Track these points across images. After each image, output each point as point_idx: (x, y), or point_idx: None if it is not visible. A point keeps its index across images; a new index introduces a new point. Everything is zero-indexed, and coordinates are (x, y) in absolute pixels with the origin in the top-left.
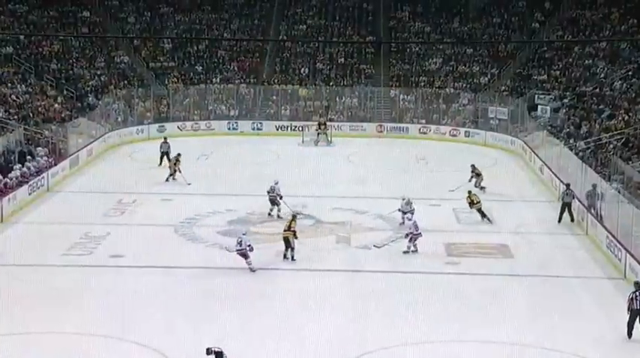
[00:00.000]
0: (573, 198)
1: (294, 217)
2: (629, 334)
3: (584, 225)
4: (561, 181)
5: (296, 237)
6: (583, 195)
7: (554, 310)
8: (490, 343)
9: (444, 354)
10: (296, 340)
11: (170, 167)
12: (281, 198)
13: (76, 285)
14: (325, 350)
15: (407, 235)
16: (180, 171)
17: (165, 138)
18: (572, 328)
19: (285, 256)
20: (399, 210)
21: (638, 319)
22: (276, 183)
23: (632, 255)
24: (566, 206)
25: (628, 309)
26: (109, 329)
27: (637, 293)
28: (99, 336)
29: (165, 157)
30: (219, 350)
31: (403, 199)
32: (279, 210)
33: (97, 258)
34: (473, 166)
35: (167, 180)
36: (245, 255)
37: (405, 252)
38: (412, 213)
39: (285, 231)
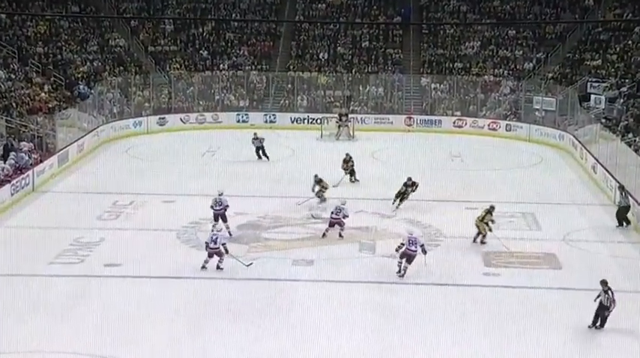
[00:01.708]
0: (627, 200)
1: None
2: (601, 324)
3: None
4: (618, 181)
5: None
6: None
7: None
8: None
9: None
10: (313, 357)
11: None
12: (226, 209)
13: (65, 298)
14: None
15: (397, 249)
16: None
17: (255, 134)
18: (629, 350)
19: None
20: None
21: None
22: (221, 195)
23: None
24: (625, 210)
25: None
26: (104, 348)
27: (605, 290)
28: (92, 356)
29: (260, 152)
30: None
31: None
32: (228, 227)
33: (89, 267)
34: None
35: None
36: (219, 254)
37: (398, 273)
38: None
39: None
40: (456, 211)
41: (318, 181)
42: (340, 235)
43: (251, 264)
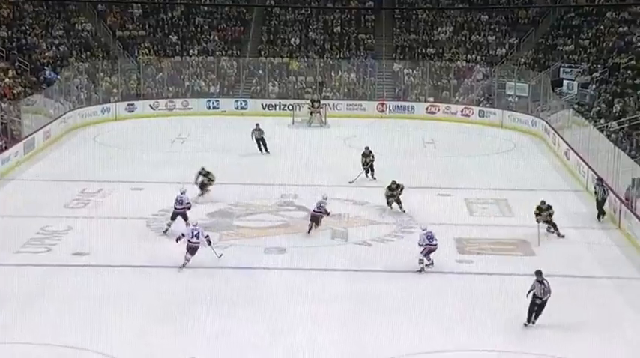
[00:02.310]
0: (606, 193)
1: None
2: (532, 319)
3: (617, 218)
4: (590, 167)
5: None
6: (618, 187)
7: (582, 315)
8: (506, 353)
9: None
10: (286, 349)
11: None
12: (189, 208)
13: (32, 288)
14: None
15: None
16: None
17: (257, 125)
18: (602, 336)
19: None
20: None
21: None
22: (183, 193)
23: (634, 214)
24: (604, 202)
25: (527, 294)
26: (72, 338)
27: (539, 280)
28: (59, 346)
29: (261, 144)
30: None
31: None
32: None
33: (56, 257)
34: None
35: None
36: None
37: (419, 271)
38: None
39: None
40: (429, 198)
41: (205, 174)
42: (309, 230)
43: (222, 255)
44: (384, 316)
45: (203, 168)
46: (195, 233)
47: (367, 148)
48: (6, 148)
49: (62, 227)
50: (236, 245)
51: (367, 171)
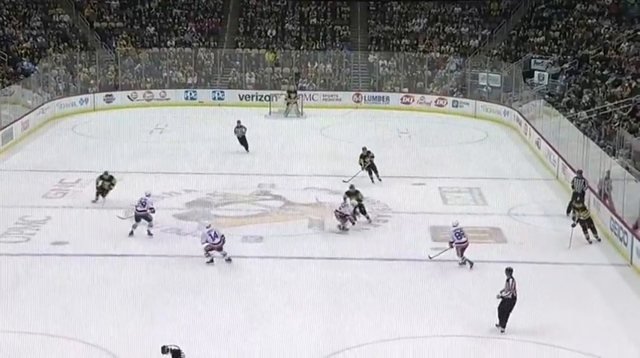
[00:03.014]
0: (585, 186)
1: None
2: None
3: (586, 205)
4: (560, 156)
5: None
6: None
7: (553, 300)
8: (479, 338)
9: (428, 351)
10: (263, 337)
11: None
12: (153, 211)
13: (10, 277)
14: (296, 349)
15: (450, 244)
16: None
17: (239, 122)
18: (572, 319)
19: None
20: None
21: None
22: (148, 196)
23: (639, 239)
24: (576, 196)
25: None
26: (51, 327)
27: (509, 279)
28: (38, 334)
29: (244, 142)
30: (177, 348)
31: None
32: (150, 226)
33: (35, 246)
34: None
35: None
36: (147, 218)
37: (461, 264)
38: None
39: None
40: (404, 187)
41: (108, 179)
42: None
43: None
44: (360, 303)
45: (106, 173)
46: (213, 234)
47: (365, 149)
48: None
49: (41, 217)
50: None
51: (370, 173)
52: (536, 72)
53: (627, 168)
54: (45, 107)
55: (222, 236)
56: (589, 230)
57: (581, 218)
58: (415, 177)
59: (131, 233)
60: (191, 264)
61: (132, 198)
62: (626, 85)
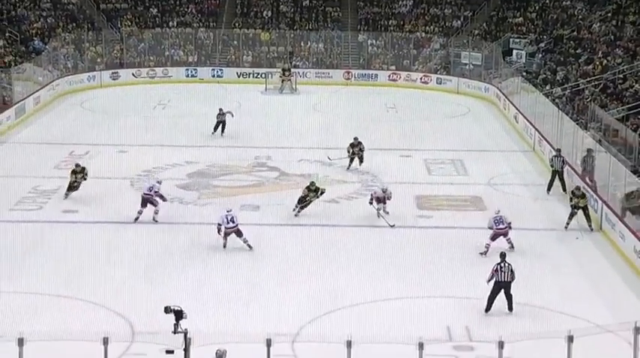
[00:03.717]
0: (564, 164)
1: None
2: (489, 307)
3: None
4: (537, 130)
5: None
6: (562, 147)
7: (529, 263)
8: (463, 298)
9: (416, 310)
10: (260, 298)
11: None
12: (163, 199)
13: (25, 242)
14: (292, 309)
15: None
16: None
17: (221, 109)
18: (547, 280)
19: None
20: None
21: (503, 292)
22: (159, 183)
23: (608, 206)
24: (556, 174)
25: (489, 281)
26: (63, 288)
27: (502, 264)
28: (52, 295)
29: (221, 126)
30: (179, 308)
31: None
32: (156, 212)
33: (47, 214)
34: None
35: None
36: (154, 203)
37: (482, 253)
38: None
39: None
40: (391, 158)
41: (80, 171)
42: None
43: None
44: (351, 267)
45: (78, 165)
46: (229, 218)
47: (356, 139)
48: None
49: (52, 186)
50: (214, 203)
51: (351, 161)
52: (514, 51)
53: (599, 141)
54: (55, 84)
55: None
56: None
57: (580, 205)
58: (402, 149)
59: (136, 218)
60: (191, 230)
61: (136, 169)
62: (597, 63)
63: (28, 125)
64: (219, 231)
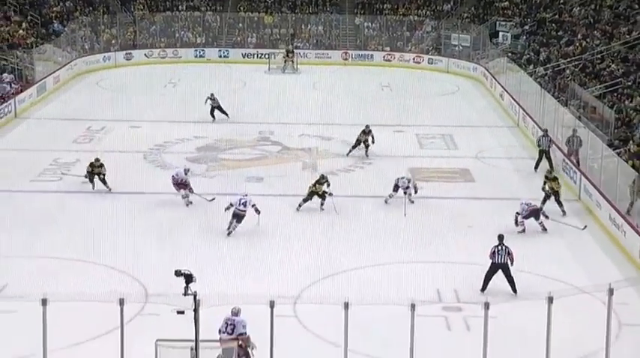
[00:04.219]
0: (551, 143)
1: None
2: (484, 287)
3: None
4: (521, 107)
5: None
6: (543, 123)
7: (513, 231)
8: (452, 263)
9: (409, 275)
10: (263, 263)
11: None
12: (190, 190)
13: (46, 211)
14: (292, 274)
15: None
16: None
17: (212, 94)
18: (529, 246)
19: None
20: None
21: (501, 273)
22: (187, 172)
23: (586, 178)
24: (543, 153)
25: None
26: (82, 253)
27: (500, 247)
28: (72, 260)
29: (217, 112)
30: (189, 272)
31: (402, 178)
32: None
33: (67, 184)
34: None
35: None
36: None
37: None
38: (409, 189)
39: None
40: (386, 133)
41: (99, 166)
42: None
43: (213, 199)
44: (347, 234)
45: (98, 159)
46: (242, 201)
47: (367, 126)
48: (21, 91)
49: (71, 159)
50: (221, 175)
51: (354, 147)
52: (500, 33)
53: (578, 117)
54: (73, 64)
55: (254, 205)
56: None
57: (554, 188)
58: (395, 125)
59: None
60: (200, 200)
61: (148, 143)
62: (577, 44)
63: (49, 102)
64: (227, 209)
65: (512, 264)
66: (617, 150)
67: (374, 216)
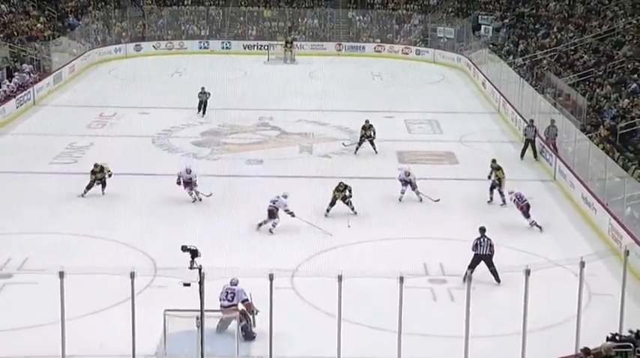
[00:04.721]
0: (536, 133)
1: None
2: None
3: (521, 134)
4: (502, 95)
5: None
6: (522, 109)
7: (493, 208)
8: (438, 239)
9: (398, 250)
10: (264, 240)
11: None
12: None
13: (62, 191)
14: (291, 249)
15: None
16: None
17: (202, 88)
18: (507, 221)
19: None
20: (399, 179)
21: (484, 264)
22: (285, 197)
23: (560, 159)
24: (528, 142)
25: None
26: (96, 230)
27: (482, 239)
28: (87, 236)
29: (204, 106)
30: (195, 248)
31: (401, 169)
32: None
33: (82, 166)
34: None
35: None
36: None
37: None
38: (410, 183)
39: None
40: (377, 119)
41: (99, 170)
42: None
43: (210, 194)
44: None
45: (97, 165)
46: (188, 170)
47: (367, 121)
48: (39, 80)
49: (86, 143)
50: (224, 158)
51: (360, 144)
52: (482, 26)
53: (554, 104)
54: (87, 55)
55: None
56: (495, 190)
57: (499, 177)
58: (385, 111)
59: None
60: (204, 181)
61: (157, 128)
62: (553, 37)
63: (64, 91)
64: (178, 182)
65: (492, 254)
66: (589, 135)
67: (365, 196)
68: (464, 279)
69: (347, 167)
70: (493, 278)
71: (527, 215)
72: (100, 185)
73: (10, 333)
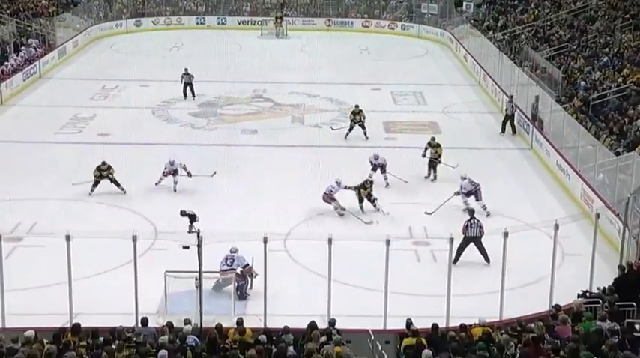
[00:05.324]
0: (514, 109)
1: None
2: (456, 259)
3: (500, 105)
4: (482, 68)
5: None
6: (501, 82)
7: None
8: (421, 204)
9: (384, 214)
10: (259, 205)
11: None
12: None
13: (68, 159)
14: (285, 213)
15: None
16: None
17: (185, 69)
18: (487, 188)
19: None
20: (371, 162)
21: (474, 247)
22: (338, 183)
23: (536, 128)
24: (508, 118)
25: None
26: (99, 196)
27: (472, 221)
28: (92, 203)
29: (189, 89)
30: (193, 213)
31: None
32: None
33: (86, 136)
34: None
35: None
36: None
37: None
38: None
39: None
40: (364, 91)
41: (107, 168)
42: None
43: (214, 173)
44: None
45: (104, 163)
46: (171, 160)
47: (357, 106)
48: (45, 54)
49: (89, 114)
50: (220, 128)
51: (350, 129)
52: (464, 2)
53: (530, 76)
54: (89, 30)
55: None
56: (431, 169)
57: (439, 153)
58: (373, 83)
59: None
60: (202, 150)
61: (156, 100)
62: (531, 12)
63: (69, 64)
64: (165, 174)
65: (482, 235)
66: (564, 105)
67: (354, 163)
68: (455, 260)
69: (336, 136)
70: (482, 258)
71: (479, 198)
72: (114, 184)
73: (20, 293)
